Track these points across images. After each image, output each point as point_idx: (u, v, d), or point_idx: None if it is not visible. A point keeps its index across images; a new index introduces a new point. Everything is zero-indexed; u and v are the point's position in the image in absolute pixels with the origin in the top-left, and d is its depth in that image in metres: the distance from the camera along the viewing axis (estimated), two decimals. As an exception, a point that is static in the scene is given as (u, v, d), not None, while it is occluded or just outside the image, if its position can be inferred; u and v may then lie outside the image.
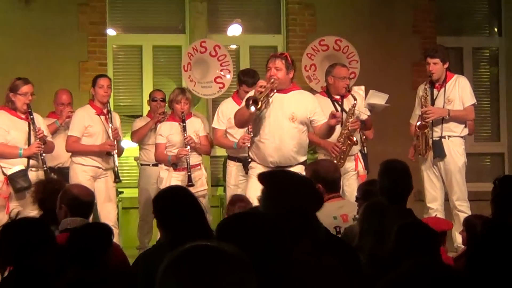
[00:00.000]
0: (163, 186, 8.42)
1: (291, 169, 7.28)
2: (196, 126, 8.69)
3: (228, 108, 8.56)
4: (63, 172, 8.61)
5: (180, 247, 2.03)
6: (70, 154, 8.61)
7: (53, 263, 4.14)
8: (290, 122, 7.38)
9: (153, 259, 4.42)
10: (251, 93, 7.34)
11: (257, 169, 7.32)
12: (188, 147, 8.43)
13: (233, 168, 8.69)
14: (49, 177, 7.58)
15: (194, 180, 8.40)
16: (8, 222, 4.55)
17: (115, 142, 8.45)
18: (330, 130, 7.48)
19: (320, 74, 9.52)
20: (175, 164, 8.49)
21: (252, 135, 7.71)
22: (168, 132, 8.59)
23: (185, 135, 8.45)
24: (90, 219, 7.05)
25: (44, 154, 8.07)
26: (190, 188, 8.23)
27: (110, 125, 8.45)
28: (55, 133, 8.77)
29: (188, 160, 8.41)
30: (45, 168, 8.05)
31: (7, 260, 4.09)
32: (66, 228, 5.24)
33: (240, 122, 7.53)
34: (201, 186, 8.57)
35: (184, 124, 8.49)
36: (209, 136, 9.09)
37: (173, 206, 4.56)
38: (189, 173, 8.38)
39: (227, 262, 2.01)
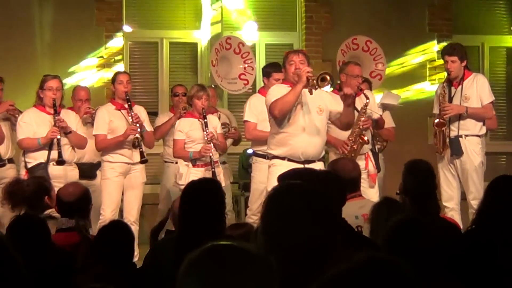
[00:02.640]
0: (182, 182, 8.41)
1: (313, 165, 7.31)
2: (214, 123, 8.63)
3: (258, 102, 8.50)
4: (80, 168, 8.65)
5: (201, 247, 2.02)
6: (86, 150, 8.63)
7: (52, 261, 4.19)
8: (318, 115, 7.36)
9: (163, 252, 4.43)
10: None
11: (282, 166, 7.26)
12: (212, 143, 8.42)
13: (261, 165, 8.46)
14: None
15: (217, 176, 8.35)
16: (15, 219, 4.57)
17: (138, 128, 8.37)
18: (348, 113, 7.40)
19: None
20: (194, 160, 8.45)
21: (274, 130, 7.59)
22: (188, 128, 8.51)
23: (207, 131, 8.42)
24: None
25: (60, 145, 8.09)
26: None
27: (131, 112, 8.44)
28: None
29: (212, 156, 8.37)
30: (60, 159, 8.08)
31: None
32: (61, 228, 5.26)
33: (283, 111, 7.22)
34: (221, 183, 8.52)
35: (205, 120, 8.43)
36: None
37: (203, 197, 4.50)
38: (213, 169, 8.31)
39: (249, 262, 2.00)
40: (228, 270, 1.97)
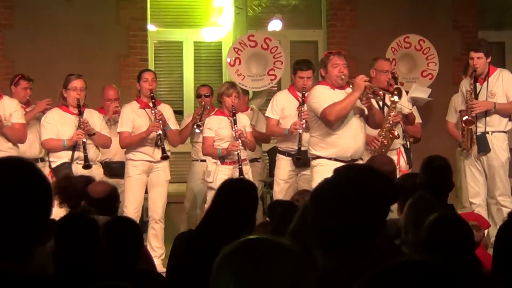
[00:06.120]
0: (210, 179, 8.44)
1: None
2: (243, 121, 8.64)
3: (283, 99, 8.58)
4: (110, 167, 8.71)
5: (237, 240, 2.02)
6: (116, 149, 8.65)
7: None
8: (359, 116, 7.56)
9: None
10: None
11: (328, 166, 7.22)
12: (240, 140, 8.42)
13: (283, 162, 8.63)
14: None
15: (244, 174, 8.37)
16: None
17: (161, 126, 8.38)
18: (371, 114, 7.65)
19: (397, 69, 9.79)
20: (222, 157, 8.46)
21: (320, 132, 7.60)
22: (217, 126, 8.52)
23: (236, 128, 8.43)
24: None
25: (86, 149, 8.09)
26: None
27: (155, 109, 8.45)
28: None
29: (240, 153, 8.38)
30: (87, 163, 8.04)
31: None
32: None
33: (339, 117, 7.42)
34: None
35: (234, 117, 8.45)
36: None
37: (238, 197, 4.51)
38: (240, 166, 8.34)
39: (283, 256, 1.97)
40: (262, 264, 1.95)
